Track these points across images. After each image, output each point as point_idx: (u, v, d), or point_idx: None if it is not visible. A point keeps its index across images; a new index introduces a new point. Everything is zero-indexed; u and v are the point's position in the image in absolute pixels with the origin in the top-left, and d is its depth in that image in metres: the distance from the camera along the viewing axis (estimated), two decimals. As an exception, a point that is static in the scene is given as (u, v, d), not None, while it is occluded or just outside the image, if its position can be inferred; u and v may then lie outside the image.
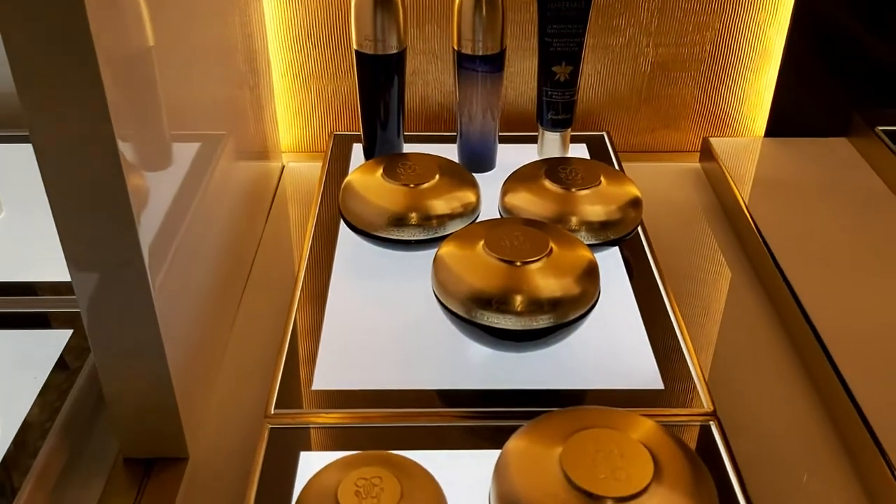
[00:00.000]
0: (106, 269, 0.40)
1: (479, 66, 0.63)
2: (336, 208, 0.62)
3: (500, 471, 0.38)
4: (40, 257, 0.57)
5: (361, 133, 0.67)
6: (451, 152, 0.67)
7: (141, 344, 0.42)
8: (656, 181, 0.72)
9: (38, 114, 0.36)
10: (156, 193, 0.42)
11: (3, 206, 0.61)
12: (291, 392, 0.46)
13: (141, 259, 0.39)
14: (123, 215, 0.38)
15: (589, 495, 0.35)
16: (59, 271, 0.53)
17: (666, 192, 0.72)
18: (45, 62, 0.34)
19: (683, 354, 0.49)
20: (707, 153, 0.74)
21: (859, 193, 0.67)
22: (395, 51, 0.62)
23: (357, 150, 0.71)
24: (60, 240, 0.39)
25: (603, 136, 0.73)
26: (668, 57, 0.73)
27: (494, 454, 0.39)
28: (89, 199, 0.38)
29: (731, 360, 0.54)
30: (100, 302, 0.40)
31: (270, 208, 0.70)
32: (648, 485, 0.35)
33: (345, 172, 0.68)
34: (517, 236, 0.49)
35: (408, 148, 0.68)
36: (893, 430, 0.45)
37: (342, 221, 0.59)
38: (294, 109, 0.76)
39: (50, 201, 0.38)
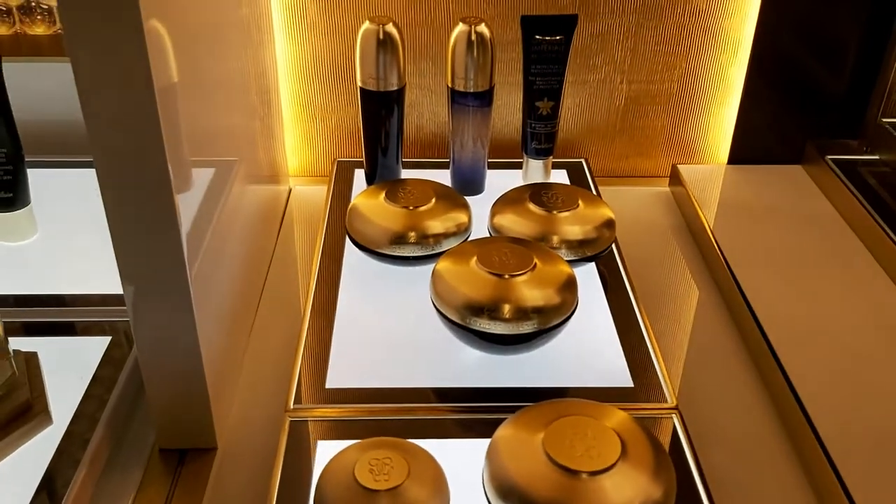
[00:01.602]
0: (152, 276, 0.46)
1: (471, 101, 0.70)
2: (341, 228, 0.68)
3: (491, 453, 0.44)
4: (73, 273, 0.63)
5: (364, 159, 0.74)
6: (444, 177, 0.74)
7: (179, 338, 0.47)
8: (630, 204, 0.79)
9: (102, 141, 0.42)
10: (183, 212, 0.48)
11: (38, 226, 0.67)
12: (308, 390, 0.53)
13: (183, 268, 0.45)
14: (171, 231, 0.44)
15: (566, 470, 0.41)
16: (90, 286, 0.60)
17: (638, 214, 0.79)
18: (108, 94, 0.40)
19: (651, 357, 0.56)
20: (675, 178, 0.81)
21: (810, 215, 0.75)
22: (395, 87, 0.69)
23: (358, 174, 0.78)
24: (115, 250, 0.44)
25: (582, 162, 0.80)
26: (640, 92, 0.81)
27: (485, 442, 0.45)
28: (140, 214, 0.44)
29: (695, 363, 0.61)
30: (145, 304, 0.46)
31: (280, 227, 0.76)
32: (616, 462, 0.42)
33: (347, 195, 0.75)
34: (505, 253, 0.56)
35: (405, 173, 0.74)
36: (831, 422, 0.52)
37: (348, 240, 0.65)
38: (301, 137, 0.83)
39: (107, 215, 0.43)
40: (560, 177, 0.78)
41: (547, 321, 0.53)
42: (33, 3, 0.77)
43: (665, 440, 0.51)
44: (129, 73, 0.40)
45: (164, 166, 0.43)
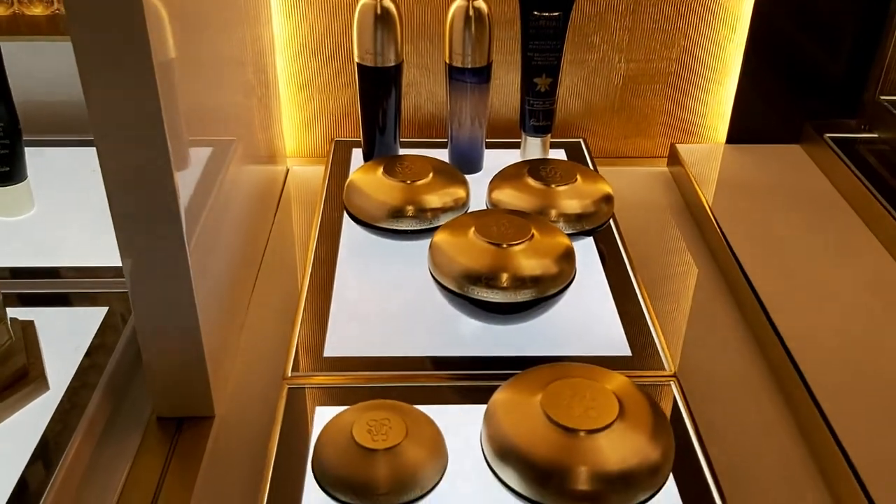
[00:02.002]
0: (150, 250, 0.46)
1: (469, 77, 0.70)
2: (339, 206, 0.68)
3: (489, 414, 0.44)
4: (69, 247, 0.63)
5: (361, 138, 0.74)
6: (442, 156, 0.73)
7: (177, 309, 0.48)
8: (628, 183, 0.79)
9: (102, 117, 0.42)
10: (182, 190, 0.48)
11: (35, 202, 0.67)
12: (306, 358, 0.53)
13: (182, 241, 0.45)
14: (171, 205, 0.44)
15: (565, 428, 0.41)
16: (86, 259, 0.60)
17: (636, 193, 0.79)
18: (108, 71, 0.41)
19: (648, 326, 0.56)
20: (674, 158, 0.81)
21: (809, 194, 0.75)
22: (392, 63, 0.69)
23: (356, 154, 0.78)
24: (114, 224, 0.44)
25: (580, 142, 0.80)
26: (638, 71, 0.81)
27: (482, 408, 0.45)
28: (140, 190, 0.44)
29: (693, 334, 0.61)
30: (143, 276, 0.46)
31: (277, 207, 0.76)
32: (613, 421, 0.42)
33: (345, 175, 0.75)
34: (503, 223, 0.55)
35: (403, 152, 0.74)
36: (829, 385, 0.52)
37: (346, 216, 0.65)
38: (298, 118, 0.83)
39: (107, 191, 0.44)
40: (558, 156, 0.78)
41: (544, 290, 0.53)
42: (31, -17, 0.77)
43: (664, 408, 0.50)
44: (129, 51, 0.40)
45: (164, 143, 0.43)
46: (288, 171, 0.82)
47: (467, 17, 0.67)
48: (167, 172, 0.44)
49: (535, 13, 0.69)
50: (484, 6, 0.67)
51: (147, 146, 0.43)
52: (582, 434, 0.41)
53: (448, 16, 0.68)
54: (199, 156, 0.53)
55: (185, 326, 0.48)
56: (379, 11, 0.67)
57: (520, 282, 0.53)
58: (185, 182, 0.48)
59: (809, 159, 0.79)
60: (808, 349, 0.56)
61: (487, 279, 0.52)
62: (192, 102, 0.51)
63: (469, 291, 0.53)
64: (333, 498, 0.41)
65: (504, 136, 0.80)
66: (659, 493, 0.42)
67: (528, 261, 0.53)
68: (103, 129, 0.42)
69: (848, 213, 0.71)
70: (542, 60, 0.71)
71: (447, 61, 0.70)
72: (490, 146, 0.76)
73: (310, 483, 0.44)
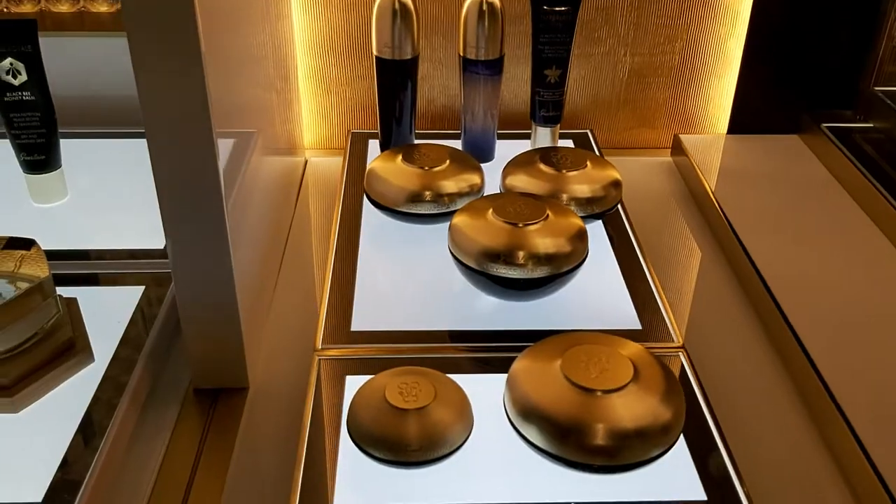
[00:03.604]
0: (193, 227, 0.49)
1: (482, 69, 0.73)
2: (358, 193, 0.71)
3: (512, 379, 0.47)
4: (102, 232, 0.66)
5: (378, 129, 0.77)
6: (456, 147, 0.77)
7: (217, 286, 0.50)
8: (634, 173, 0.82)
9: (152, 108, 0.44)
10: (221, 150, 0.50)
11: (68, 190, 0.70)
12: (334, 331, 0.56)
13: (223, 218, 0.48)
14: (214, 188, 0.47)
15: (583, 389, 0.44)
16: (119, 242, 0.63)
17: (642, 182, 0.82)
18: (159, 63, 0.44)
19: (657, 303, 0.59)
20: (678, 148, 0.85)
21: (808, 181, 0.78)
22: (409, 56, 0.72)
23: (373, 145, 0.81)
24: (160, 202, 0.47)
25: (587, 133, 0.84)
26: (642, 64, 0.84)
27: (502, 377, 0.48)
28: (185, 173, 0.47)
29: (700, 311, 0.64)
30: (186, 252, 0.49)
31: (297, 196, 0.79)
32: (628, 383, 0.45)
33: (363, 165, 0.78)
34: (519, 205, 0.59)
35: (418, 143, 0.77)
36: (833, 361, 0.55)
37: (365, 201, 0.68)
38: (316, 110, 0.86)
39: (154, 173, 0.47)
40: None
41: (559, 267, 0.56)
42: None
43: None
44: (181, 46, 0.43)
45: (210, 134, 0.45)
46: (307, 161, 0.85)
47: (481, 12, 0.70)
48: (211, 163, 0.46)
49: (546, 7, 0.72)
50: (497, 1, 0.70)
51: (193, 137, 0.46)
52: (599, 394, 0.44)
53: (462, 10, 0.71)
54: (224, 147, 0.56)
55: (224, 303, 0.51)
56: (397, 6, 0.70)
57: (536, 259, 0.56)
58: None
59: (808, 149, 0.82)
60: (809, 324, 0.59)
61: (505, 256, 0.55)
62: (218, 95, 0.53)
63: (488, 268, 0.56)
64: (368, 454, 0.44)
65: (515, 127, 0.83)
66: (671, 451, 0.45)
67: (544, 239, 0.56)
68: (153, 120, 0.45)
69: (845, 198, 0.75)
70: (552, 53, 0.74)
71: (461, 54, 0.73)
72: (501, 137, 0.79)
73: (344, 443, 0.47)
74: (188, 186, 0.47)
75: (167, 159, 0.46)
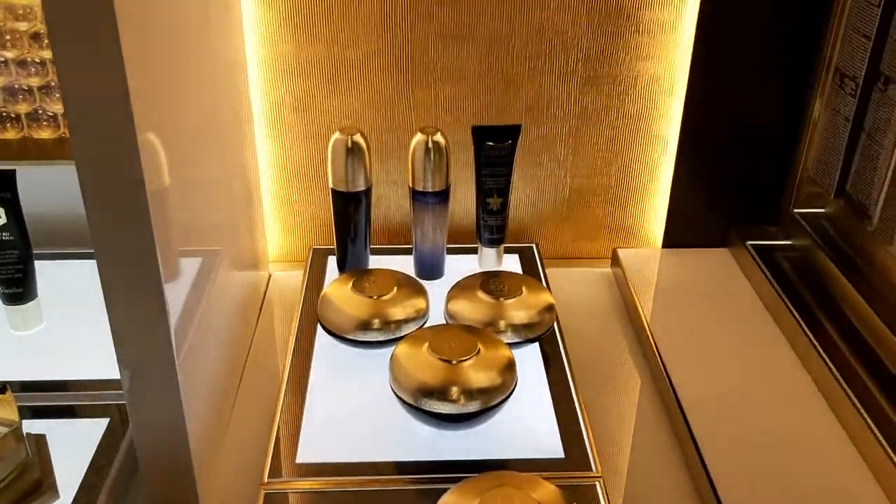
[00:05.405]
0: (144, 362, 0.53)
1: (430, 199, 0.80)
2: (314, 313, 0.77)
3: (436, 519, 0.53)
4: (75, 359, 0.71)
5: (336, 248, 0.83)
6: (408, 262, 0.83)
7: (168, 422, 0.55)
8: (575, 285, 0.89)
9: (101, 240, 0.48)
10: (173, 299, 0.54)
11: (43, 318, 0.75)
12: (281, 463, 0.61)
13: (171, 355, 0.53)
14: (161, 321, 0.51)
15: (496, 534, 0.50)
16: (91, 371, 0.68)
17: (582, 295, 0.88)
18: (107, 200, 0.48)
19: (581, 431, 0.65)
20: (615, 261, 0.91)
21: (732, 297, 0.84)
22: (362, 188, 0.79)
23: (331, 261, 0.87)
24: (113, 339, 0.51)
25: (532, 247, 0.90)
26: (582, 185, 0.91)
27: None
28: (134, 306, 0.51)
29: (623, 436, 0.70)
30: (139, 388, 0.54)
31: (260, 311, 0.85)
32: (538, 526, 0.50)
33: (321, 281, 0.84)
34: (453, 341, 0.64)
35: (373, 258, 0.83)
36: (733, 479, 0.61)
37: (319, 326, 0.74)
38: (281, 227, 0.92)
39: (107, 307, 0.50)
40: (512, 261, 0.87)
41: (490, 400, 0.62)
42: (39, 111, 0.87)
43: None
44: (126, 181, 0.47)
45: (155, 262, 0.49)
46: (270, 276, 0.91)
47: (427, 149, 0.77)
48: (158, 291, 0.50)
49: (488, 143, 0.79)
50: (442, 139, 0.77)
51: (141, 265, 0.49)
52: (510, 539, 0.49)
53: (410, 147, 0.78)
54: (189, 266, 0.59)
55: (176, 449, 0.56)
56: (349, 145, 0.77)
57: (468, 394, 0.61)
58: (176, 294, 0.54)
59: (734, 262, 0.89)
60: (718, 452, 0.64)
61: (439, 393, 0.61)
62: (182, 219, 0.57)
63: (423, 404, 0.61)
64: None
65: (465, 241, 0.89)
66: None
67: (476, 374, 0.62)
68: (102, 250, 0.49)
69: (764, 315, 0.81)
70: (493, 184, 0.80)
71: (410, 185, 0.80)
72: (451, 251, 0.85)
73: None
74: (140, 342, 0.52)
75: (120, 315, 0.51)
